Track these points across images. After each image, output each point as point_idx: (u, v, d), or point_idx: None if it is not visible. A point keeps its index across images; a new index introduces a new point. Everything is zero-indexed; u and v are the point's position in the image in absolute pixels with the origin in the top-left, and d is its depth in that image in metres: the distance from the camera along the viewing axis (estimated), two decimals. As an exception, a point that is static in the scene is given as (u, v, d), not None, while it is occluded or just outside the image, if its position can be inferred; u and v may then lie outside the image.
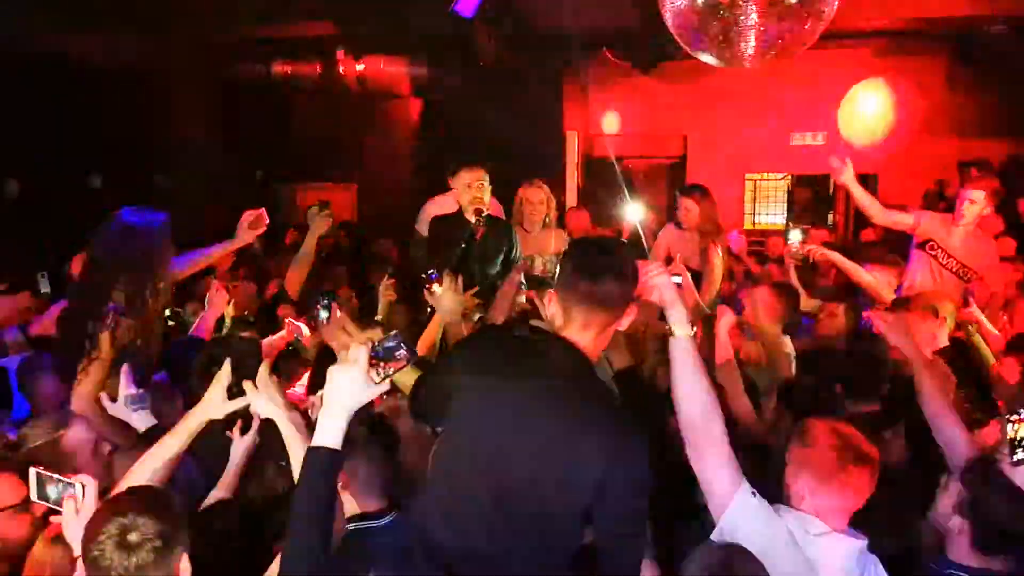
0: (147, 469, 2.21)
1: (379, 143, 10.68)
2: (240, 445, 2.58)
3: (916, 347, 2.78)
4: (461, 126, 9.94)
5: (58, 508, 2.19)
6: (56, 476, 2.24)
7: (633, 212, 7.35)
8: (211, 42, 7.97)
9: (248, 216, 4.14)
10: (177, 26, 7.52)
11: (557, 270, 4.83)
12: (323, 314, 3.58)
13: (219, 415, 2.25)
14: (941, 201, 7.53)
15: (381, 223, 9.05)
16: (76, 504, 2.14)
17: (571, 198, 9.65)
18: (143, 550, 1.82)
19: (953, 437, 2.56)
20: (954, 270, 5.06)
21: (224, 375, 2.22)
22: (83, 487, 2.16)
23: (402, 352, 1.91)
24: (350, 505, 2.44)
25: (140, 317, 3.38)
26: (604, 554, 2.03)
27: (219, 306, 3.96)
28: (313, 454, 1.85)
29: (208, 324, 3.93)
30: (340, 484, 2.12)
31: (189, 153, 7.46)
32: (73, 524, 2.09)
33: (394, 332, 1.97)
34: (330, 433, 1.85)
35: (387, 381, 1.90)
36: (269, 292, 5.62)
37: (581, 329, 2.05)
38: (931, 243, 5.13)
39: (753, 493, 2.12)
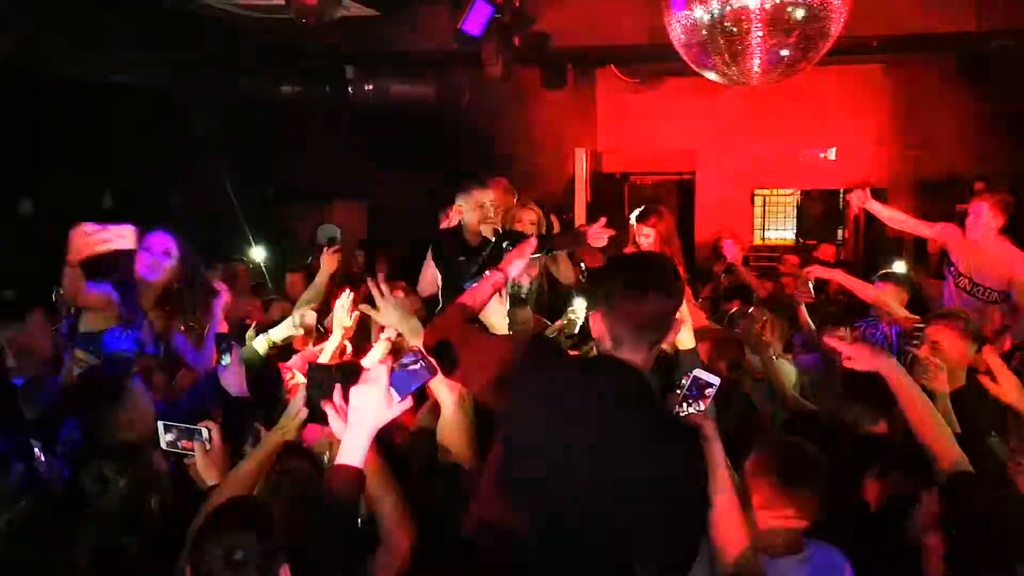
0: (231, 487, 2.36)
1: (389, 160, 10.73)
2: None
3: (887, 363, 2.42)
4: (470, 143, 10.01)
5: (183, 452, 2.59)
6: (180, 425, 2.60)
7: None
8: (221, 59, 8.04)
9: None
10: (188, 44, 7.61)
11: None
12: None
13: (293, 436, 2.37)
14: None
15: (392, 240, 9.09)
16: (205, 447, 2.51)
17: (580, 214, 9.66)
18: (248, 567, 1.92)
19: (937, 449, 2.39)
20: (966, 288, 4.77)
21: (300, 399, 2.27)
22: (208, 431, 2.53)
23: (420, 368, 1.92)
24: None
25: None
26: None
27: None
28: (337, 472, 1.88)
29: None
30: None
31: (200, 170, 7.53)
32: (205, 464, 2.48)
33: (413, 348, 1.99)
34: (354, 451, 1.88)
35: (408, 398, 1.92)
36: (271, 316, 5.56)
37: (631, 351, 2.01)
38: (948, 259, 4.96)
39: None
